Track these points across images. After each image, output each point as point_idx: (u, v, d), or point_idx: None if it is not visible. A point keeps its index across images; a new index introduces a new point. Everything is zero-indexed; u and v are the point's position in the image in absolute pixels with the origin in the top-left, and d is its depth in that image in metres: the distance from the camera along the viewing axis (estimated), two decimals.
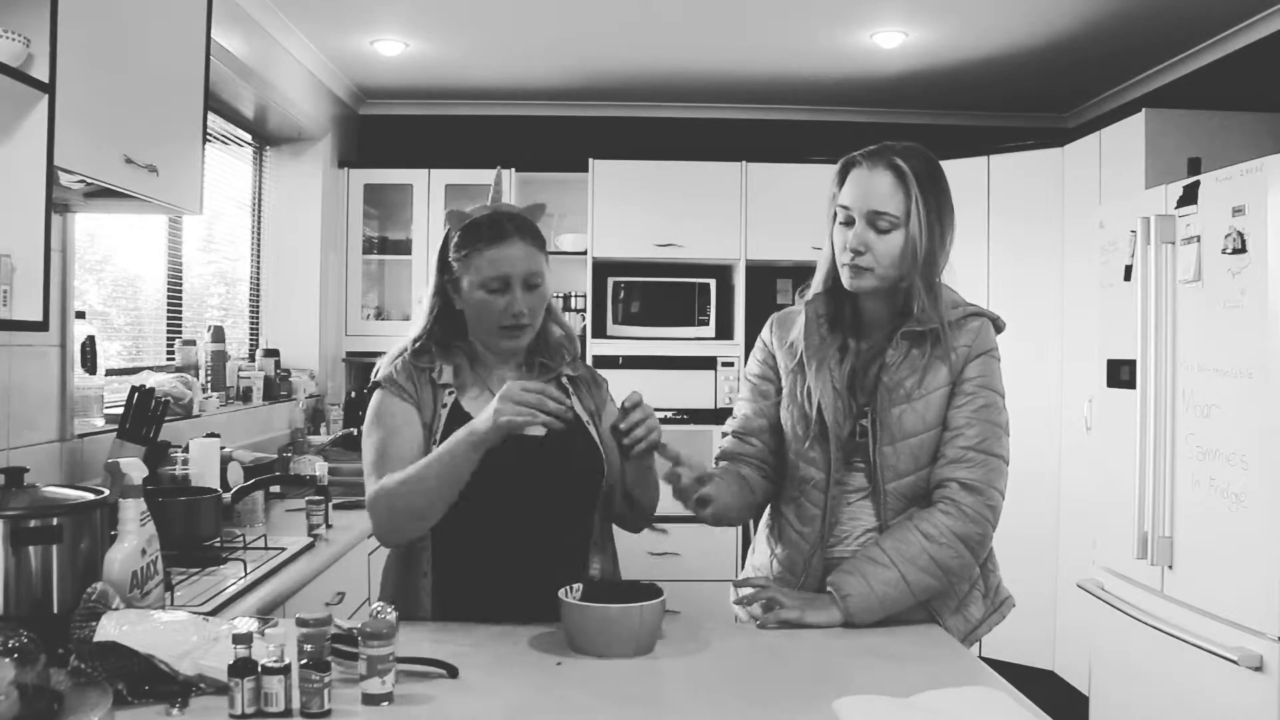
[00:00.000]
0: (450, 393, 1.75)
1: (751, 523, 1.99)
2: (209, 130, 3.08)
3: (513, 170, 4.82)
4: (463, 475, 1.60)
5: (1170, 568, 2.84)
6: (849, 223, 1.76)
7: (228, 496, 2.55)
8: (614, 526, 1.86)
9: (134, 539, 1.58)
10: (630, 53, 4.37)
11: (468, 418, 1.68)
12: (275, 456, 3.41)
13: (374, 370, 1.80)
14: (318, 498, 2.56)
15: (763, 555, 1.90)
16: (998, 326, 1.85)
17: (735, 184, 4.73)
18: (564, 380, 1.82)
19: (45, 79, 1.75)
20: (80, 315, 2.56)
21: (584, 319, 4.88)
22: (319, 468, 2.66)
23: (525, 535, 1.70)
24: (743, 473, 1.85)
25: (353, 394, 4.73)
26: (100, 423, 2.63)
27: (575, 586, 1.59)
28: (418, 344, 1.79)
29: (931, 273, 1.74)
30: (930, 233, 1.71)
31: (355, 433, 4.39)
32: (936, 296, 1.74)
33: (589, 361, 4.39)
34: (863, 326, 1.81)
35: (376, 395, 1.77)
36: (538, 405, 1.52)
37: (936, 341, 1.74)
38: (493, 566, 1.70)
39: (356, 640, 1.34)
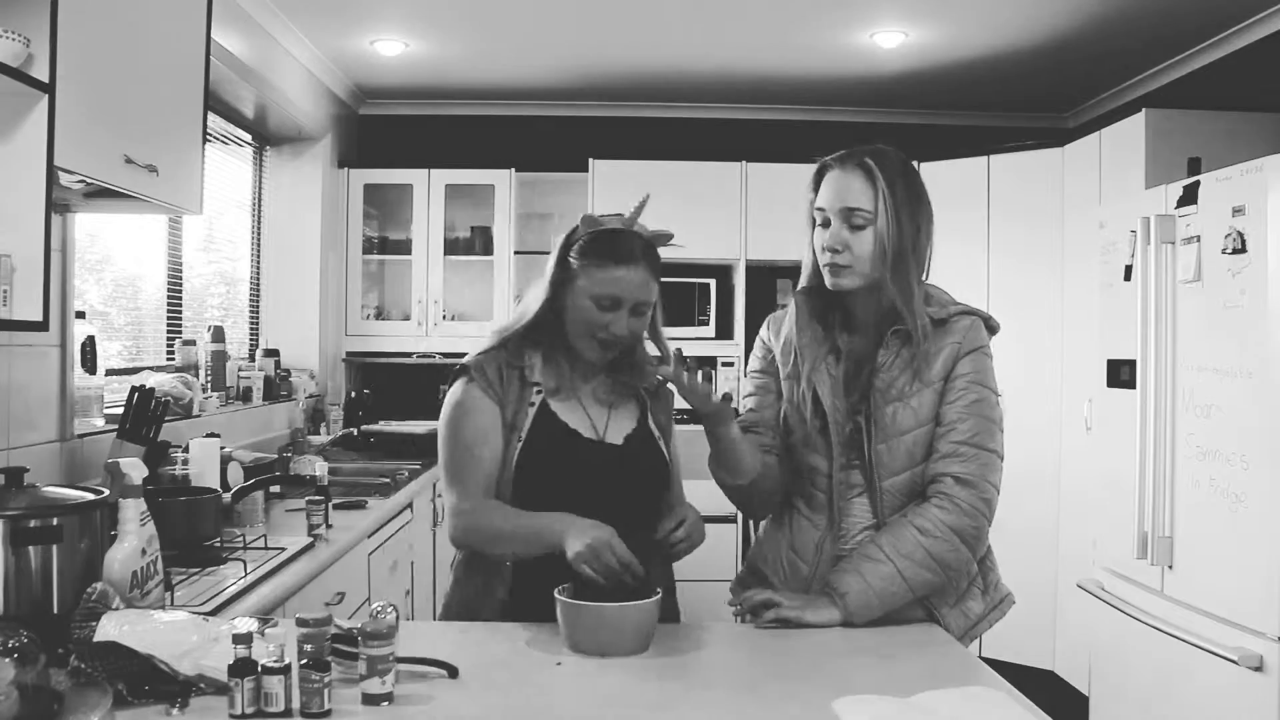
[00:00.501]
0: (538, 391, 1.77)
1: (753, 525, 1.99)
2: (209, 130, 3.08)
3: (513, 170, 4.82)
4: (535, 554, 1.65)
5: (1170, 568, 2.84)
6: (826, 224, 1.80)
7: (228, 496, 2.55)
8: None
9: (134, 539, 1.58)
10: (630, 53, 4.38)
11: (556, 419, 1.74)
12: (275, 456, 3.41)
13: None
14: (318, 498, 2.56)
15: (773, 545, 1.89)
16: (990, 327, 1.86)
17: (735, 184, 4.73)
18: (643, 394, 1.86)
19: (45, 79, 1.75)
20: (80, 315, 2.56)
21: None
22: (319, 468, 2.66)
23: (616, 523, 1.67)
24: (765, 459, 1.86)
25: (353, 394, 4.73)
26: (100, 423, 2.63)
27: (566, 586, 1.59)
28: (519, 334, 1.79)
29: (903, 269, 1.75)
30: (900, 228, 1.76)
31: (355, 433, 4.40)
32: (910, 294, 1.75)
33: None
34: (853, 328, 1.83)
35: (460, 385, 1.77)
36: (610, 575, 1.55)
37: (926, 338, 1.76)
38: (565, 568, 1.66)
39: (356, 640, 1.33)
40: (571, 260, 1.75)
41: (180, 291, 3.60)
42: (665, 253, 1.89)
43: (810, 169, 1.90)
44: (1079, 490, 3.83)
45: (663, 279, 1.83)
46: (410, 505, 3.46)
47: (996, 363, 1.89)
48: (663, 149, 4.92)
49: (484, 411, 1.74)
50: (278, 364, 4.12)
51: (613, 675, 1.45)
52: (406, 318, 4.90)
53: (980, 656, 1.76)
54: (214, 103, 3.71)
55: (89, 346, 2.55)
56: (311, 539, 2.48)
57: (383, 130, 5.22)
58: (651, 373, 1.79)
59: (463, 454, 1.74)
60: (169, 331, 3.53)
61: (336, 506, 2.81)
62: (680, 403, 1.84)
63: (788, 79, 4.71)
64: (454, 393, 1.78)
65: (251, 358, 4.15)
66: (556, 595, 1.56)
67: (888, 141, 1.89)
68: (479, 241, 4.92)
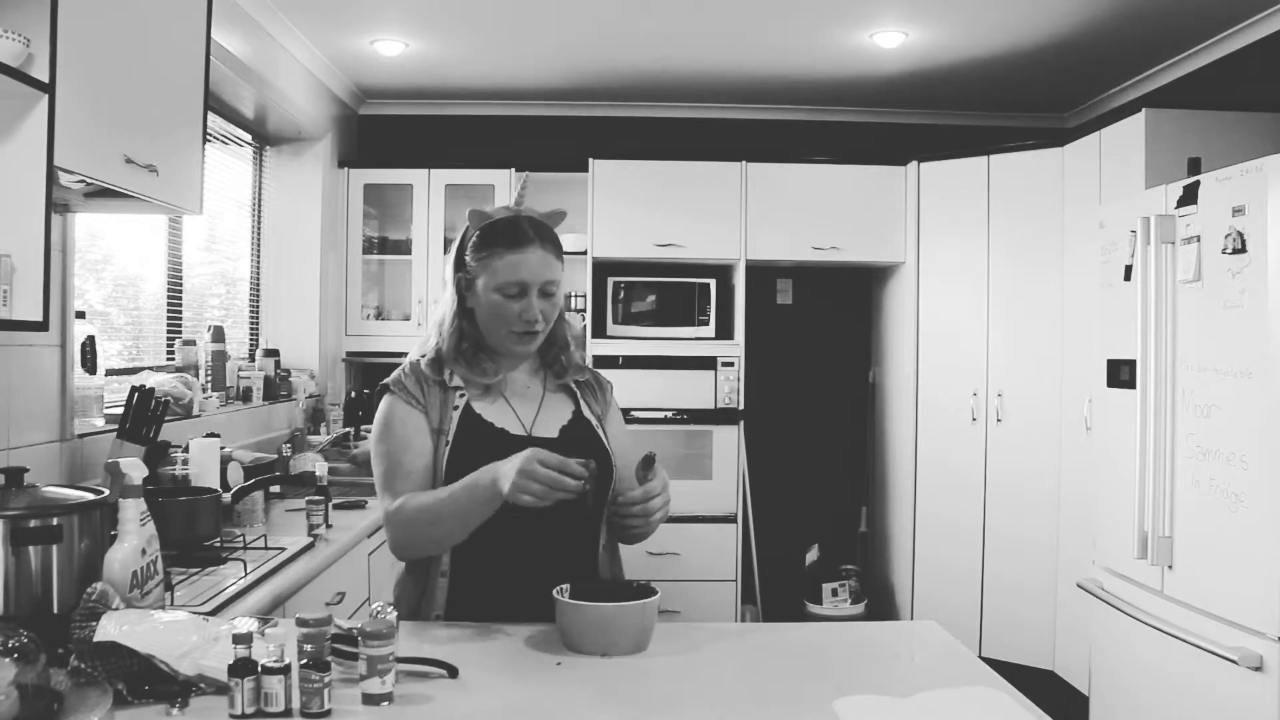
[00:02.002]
0: (461, 395, 1.76)
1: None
2: (209, 130, 3.08)
3: (512, 170, 4.82)
4: (477, 521, 1.62)
5: (1170, 568, 2.84)
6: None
7: (228, 496, 2.55)
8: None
9: (134, 539, 1.58)
10: (630, 53, 4.37)
11: (480, 420, 1.72)
12: (275, 456, 3.41)
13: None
14: (318, 498, 2.56)
15: None
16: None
17: (735, 184, 4.73)
18: (572, 385, 1.84)
19: (45, 79, 1.75)
20: (80, 315, 2.56)
21: (584, 319, 4.88)
22: (319, 468, 2.66)
23: (537, 538, 1.69)
24: None
25: (353, 394, 4.73)
26: (100, 423, 2.63)
27: (564, 586, 1.59)
28: (436, 351, 1.79)
29: None
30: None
31: (354, 432, 4.39)
32: None
33: (589, 362, 4.39)
34: None
35: (385, 401, 1.77)
36: (554, 484, 1.52)
37: None
38: (506, 567, 1.71)
39: (356, 640, 1.34)
40: (468, 260, 1.75)
41: (180, 291, 3.60)
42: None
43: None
44: (1079, 490, 3.83)
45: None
46: None
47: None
48: (663, 149, 4.92)
49: (406, 421, 1.74)
50: (278, 364, 4.12)
51: (612, 675, 1.45)
52: (406, 318, 4.90)
53: (980, 656, 1.76)
54: (214, 103, 3.71)
55: (89, 346, 2.55)
56: (311, 539, 2.48)
57: (383, 130, 5.22)
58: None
59: (390, 465, 1.73)
60: (169, 331, 3.53)
61: (336, 506, 2.81)
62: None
63: (788, 79, 4.71)
64: (381, 406, 1.77)
65: (251, 358, 4.15)
66: (555, 596, 1.56)
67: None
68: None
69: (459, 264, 1.78)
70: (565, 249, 1.71)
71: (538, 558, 1.69)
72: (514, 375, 1.82)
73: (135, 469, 1.63)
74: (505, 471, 1.55)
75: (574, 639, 1.54)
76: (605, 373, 1.99)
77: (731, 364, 4.65)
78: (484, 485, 1.58)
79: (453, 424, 1.73)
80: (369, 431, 4.27)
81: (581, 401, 1.83)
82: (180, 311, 3.61)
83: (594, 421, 1.82)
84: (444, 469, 1.71)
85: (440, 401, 1.75)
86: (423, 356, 1.80)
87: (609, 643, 1.52)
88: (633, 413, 4.44)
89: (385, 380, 1.79)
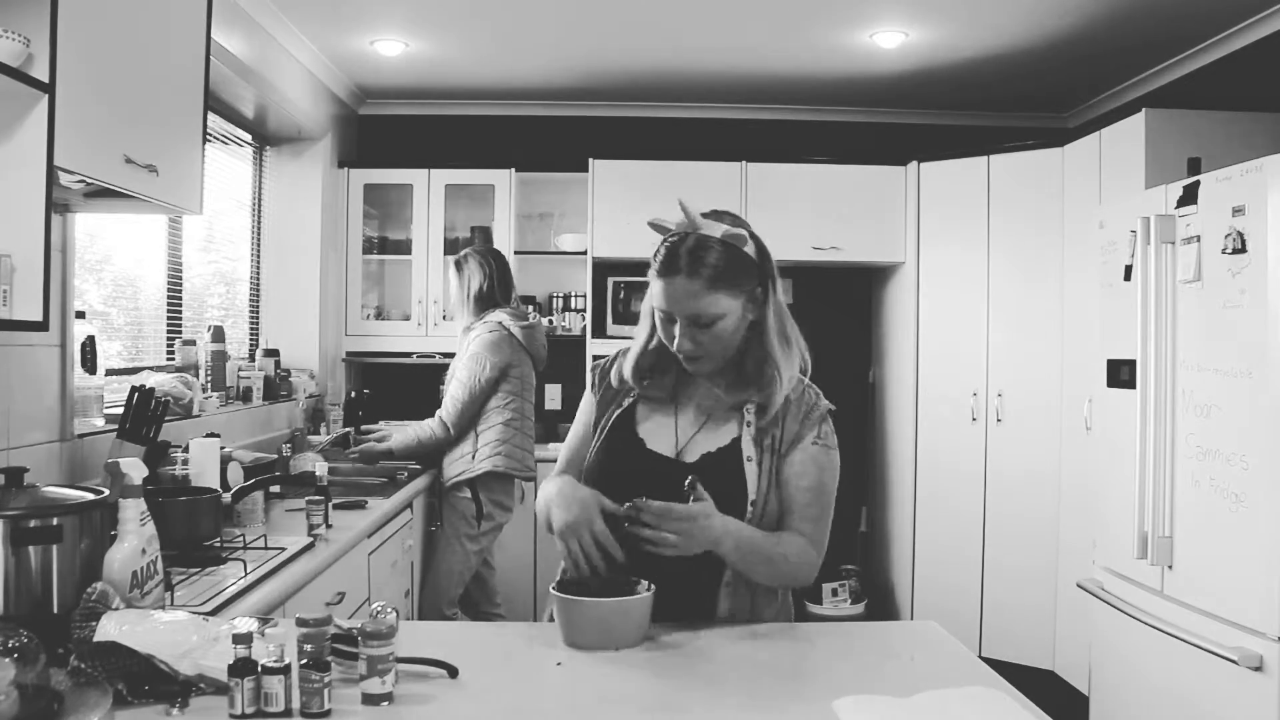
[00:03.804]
0: (630, 397, 1.79)
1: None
2: (209, 130, 3.08)
3: (513, 170, 4.83)
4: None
5: (1170, 568, 2.84)
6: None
7: (228, 496, 2.55)
8: None
9: (134, 539, 1.58)
10: (630, 53, 4.38)
11: (630, 427, 1.75)
12: (275, 456, 3.41)
13: None
14: (318, 498, 2.56)
15: None
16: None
17: (735, 184, 4.73)
18: (746, 410, 1.72)
19: (45, 79, 1.75)
20: (80, 315, 2.56)
21: (584, 319, 4.88)
22: (319, 468, 2.66)
23: (656, 566, 1.60)
24: None
25: (353, 394, 4.73)
26: (100, 423, 2.63)
27: (561, 581, 1.60)
28: (637, 357, 1.78)
29: None
30: None
31: (354, 432, 4.39)
32: None
33: (589, 362, 4.38)
34: None
35: (589, 381, 1.90)
36: (577, 558, 1.57)
37: None
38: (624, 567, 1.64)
39: (356, 640, 1.34)
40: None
41: (180, 291, 3.60)
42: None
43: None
44: (1079, 490, 3.83)
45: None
46: (410, 505, 3.46)
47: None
48: (663, 149, 4.92)
49: (585, 407, 1.87)
50: (278, 364, 4.12)
51: (613, 675, 1.45)
52: (406, 318, 4.90)
53: (980, 656, 1.76)
54: (214, 103, 3.71)
55: (89, 346, 2.55)
56: (311, 539, 2.48)
57: (383, 130, 5.22)
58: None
59: (567, 447, 1.86)
60: (169, 331, 3.53)
61: (336, 506, 2.81)
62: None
63: (788, 79, 4.71)
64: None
65: (251, 358, 4.15)
66: (551, 591, 1.56)
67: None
68: (479, 241, 4.92)
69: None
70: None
71: (660, 590, 1.59)
72: (700, 389, 1.77)
73: (135, 469, 1.63)
74: (561, 507, 1.61)
75: (570, 634, 1.54)
76: None
77: None
78: (546, 498, 1.67)
79: (607, 424, 1.79)
80: (369, 431, 4.31)
81: (749, 429, 1.71)
82: (180, 311, 3.61)
83: (751, 454, 1.69)
84: (585, 463, 1.79)
85: (610, 400, 1.82)
86: (623, 351, 1.84)
87: (604, 637, 1.52)
88: None
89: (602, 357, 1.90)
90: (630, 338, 1.83)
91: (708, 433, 1.73)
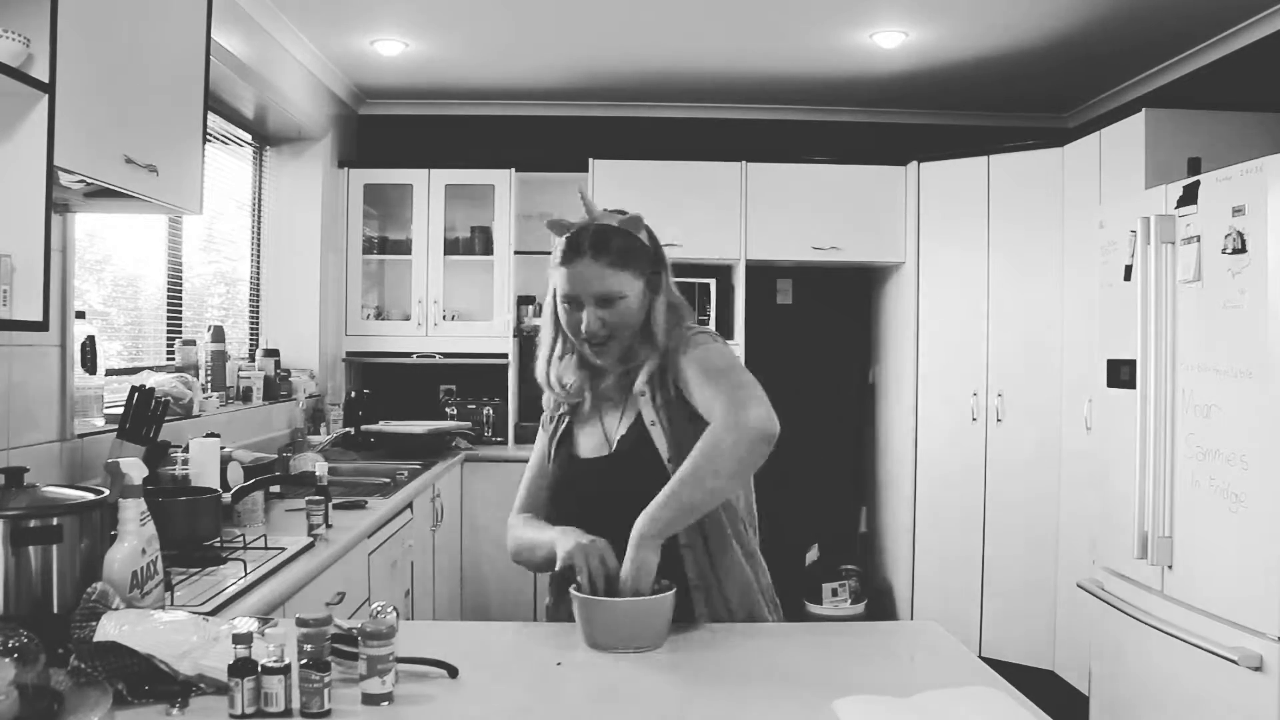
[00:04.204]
0: (564, 416, 1.84)
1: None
2: (209, 130, 3.08)
3: (513, 170, 4.83)
4: (550, 563, 1.67)
5: (1170, 568, 2.84)
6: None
7: (228, 496, 2.55)
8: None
9: (134, 539, 1.58)
10: (630, 53, 4.38)
11: (569, 442, 1.81)
12: (275, 456, 3.41)
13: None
14: (318, 498, 2.56)
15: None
16: None
17: (735, 184, 4.73)
18: (643, 386, 1.73)
19: (45, 79, 1.75)
20: (80, 315, 2.56)
21: None
22: (319, 468, 2.65)
23: (612, 540, 1.62)
24: None
25: (353, 394, 4.73)
26: (100, 423, 2.63)
27: (579, 582, 1.59)
28: (547, 364, 1.82)
29: None
30: None
31: (354, 432, 4.40)
32: None
33: None
34: None
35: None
36: (593, 572, 1.58)
37: None
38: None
39: (356, 640, 1.34)
40: (549, 272, 1.79)
41: (180, 291, 3.60)
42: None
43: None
44: (1079, 490, 3.83)
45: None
46: (410, 505, 3.46)
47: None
48: (663, 149, 4.92)
49: (538, 443, 1.91)
50: (278, 364, 4.12)
51: (612, 675, 1.45)
52: (406, 318, 4.90)
53: (980, 656, 1.76)
54: (214, 103, 3.71)
55: (89, 346, 2.55)
56: (311, 539, 2.48)
57: (383, 130, 5.22)
58: None
59: (529, 472, 1.90)
60: (169, 331, 3.53)
61: (336, 506, 2.81)
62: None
63: (788, 79, 4.71)
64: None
65: (251, 358, 4.15)
66: (572, 592, 1.56)
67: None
68: (479, 241, 4.92)
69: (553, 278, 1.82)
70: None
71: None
72: (611, 385, 1.80)
73: (135, 469, 1.63)
74: (563, 541, 1.63)
75: (591, 634, 1.54)
76: None
77: None
78: (552, 543, 1.67)
79: (551, 450, 1.85)
80: (369, 431, 4.30)
81: (644, 398, 1.73)
82: (180, 311, 3.61)
83: (653, 418, 1.71)
84: (547, 489, 1.84)
85: (555, 424, 1.87)
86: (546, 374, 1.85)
87: (625, 637, 1.52)
88: None
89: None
90: None
91: (627, 419, 1.78)
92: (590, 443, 1.80)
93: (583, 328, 1.70)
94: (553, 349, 1.80)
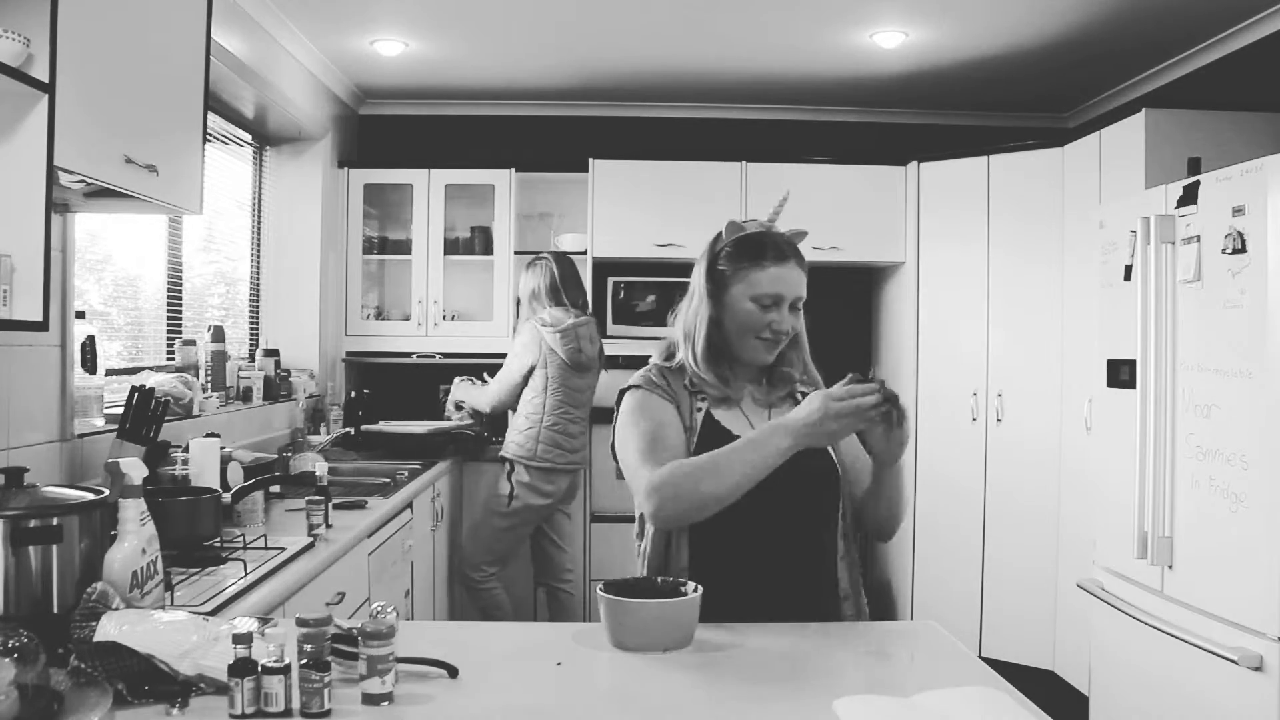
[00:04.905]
0: (702, 400, 1.82)
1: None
2: (209, 130, 3.08)
3: (512, 170, 4.82)
4: (769, 468, 1.62)
5: (1170, 568, 2.84)
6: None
7: (228, 496, 2.55)
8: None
9: (134, 539, 1.58)
10: (630, 53, 4.38)
11: (719, 426, 1.79)
12: (275, 456, 3.41)
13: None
14: (318, 498, 2.56)
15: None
16: None
17: (735, 184, 4.73)
18: (798, 395, 1.86)
19: (45, 79, 1.75)
20: (80, 315, 2.56)
21: None
22: (319, 468, 2.65)
23: (767, 546, 1.74)
24: None
25: (353, 394, 4.73)
26: (100, 423, 2.63)
27: (609, 583, 1.59)
28: (682, 357, 1.84)
29: None
30: None
31: (354, 432, 4.40)
32: None
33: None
34: None
35: (633, 395, 1.83)
36: (856, 412, 1.57)
37: None
38: (740, 572, 1.73)
39: (356, 640, 1.34)
40: (722, 268, 1.82)
41: (180, 291, 3.60)
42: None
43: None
44: (1079, 490, 3.83)
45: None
46: (410, 505, 3.46)
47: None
48: (663, 149, 4.92)
49: (662, 409, 1.80)
50: (278, 364, 4.12)
51: (612, 675, 1.45)
52: (406, 318, 4.90)
53: (980, 656, 1.76)
54: (214, 103, 3.71)
55: (89, 346, 2.55)
56: (311, 539, 2.48)
57: (383, 130, 5.22)
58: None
59: (650, 441, 1.75)
60: (169, 331, 3.53)
61: (336, 506, 2.81)
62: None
63: (788, 79, 4.71)
64: (628, 400, 1.83)
65: (251, 358, 4.15)
66: (600, 593, 1.56)
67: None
68: (479, 241, 4.92)
69: (711, 271, 1.84)
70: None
71: (776, 565, 1.72)
72: (750, 386, 1.87)
73: (135, 469, 1.63)
74: (793, 423, 1.60)
75: (618, 635, 1.54)
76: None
77: None
78: (770, 439, 1.62)
79: (697, 424, 1.80)
80: (369, 431, 4.31)
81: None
82: (180, 311, 3.61)
83: None
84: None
85: (688, 403, 1.83)
86: (668, 361, 1.87)
87: (653, 638, 1.53)
88: None
89: (632, 380, 1.86)
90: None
91: (778, 418, 1.77)
92: (738, 427, 1.81)
93: (781, 327, 1.79)
94: (707, 343, 1.83)
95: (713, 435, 1.78)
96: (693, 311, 1.86)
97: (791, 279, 1.80)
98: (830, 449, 1.81)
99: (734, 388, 1.84)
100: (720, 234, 1.87)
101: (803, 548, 1.77)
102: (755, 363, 1.84)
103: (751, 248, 1.81)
